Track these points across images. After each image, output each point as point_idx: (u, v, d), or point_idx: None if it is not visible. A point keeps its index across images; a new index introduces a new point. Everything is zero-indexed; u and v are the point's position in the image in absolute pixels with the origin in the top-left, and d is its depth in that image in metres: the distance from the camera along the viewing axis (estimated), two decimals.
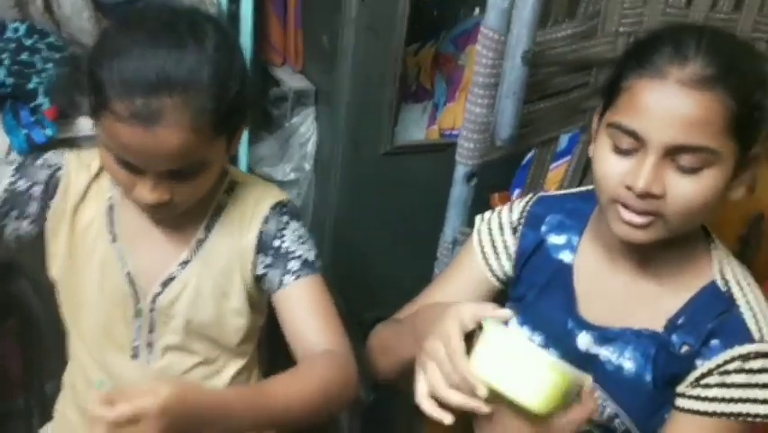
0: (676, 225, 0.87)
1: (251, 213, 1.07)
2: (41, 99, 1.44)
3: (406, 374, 1.02)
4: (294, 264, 1.06)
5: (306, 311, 1.05)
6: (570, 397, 0.83)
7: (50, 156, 1.06)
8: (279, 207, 1.08)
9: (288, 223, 1.08)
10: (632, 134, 0.86)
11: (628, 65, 0.88)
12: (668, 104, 0.83)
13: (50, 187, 1.05)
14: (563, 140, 1.56)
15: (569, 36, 1.20)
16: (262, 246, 1.07)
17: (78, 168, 1.06)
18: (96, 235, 1.05)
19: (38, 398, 1.26)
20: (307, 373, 0.98)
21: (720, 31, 0.91)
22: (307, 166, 1.96)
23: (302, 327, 1.04)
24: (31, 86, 1.43)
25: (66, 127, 1.51)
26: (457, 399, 0.82)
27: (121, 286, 1.05)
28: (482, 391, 0.80)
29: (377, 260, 1.94)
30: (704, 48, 0.83)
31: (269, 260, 1.07)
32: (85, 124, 1.46)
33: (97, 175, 1.06)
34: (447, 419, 0.83)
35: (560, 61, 1.21)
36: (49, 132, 1.41)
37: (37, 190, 1.04)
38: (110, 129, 0.90)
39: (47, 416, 1.18)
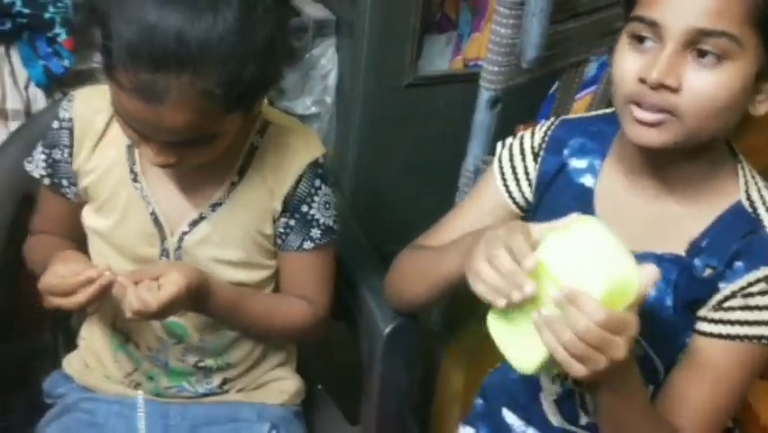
0: (692, 127, 0.83)
1: (287, 164, 1.04)
2: (58, 29, 1.43)
3: (439, 298, 1.04)
4: (316, 232, 1.07)
5: (311, 275, 1.11)
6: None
7: (62, 112, 1.04)
8: (314, 168, 1.05)
9: (319, 188, 1.06)
10: (651, 24, 0.82)
11: None
12: None
13: (71, 142, 1.04)
14: (592, 68, 1.52)
15: None
16: (289, 207, 1.05)
17: (90, 110, 1.03)
18: (118, 175, 1.04)
19: (64, 330, 1.28)
20: (286, 312, 1.11)
21: None
22: (328, 99, 1.94)
23: (301, 285, 1.11)
24: (47, 15, 1.42)
25: (83, 58, 1.51)
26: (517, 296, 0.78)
27: (145, 225, 1.04)
28: (529, 288, 0.77)
29: (399, 192, 1.93)
30: None
31: (292, 222, 1.06)
32: None
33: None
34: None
35: None
36: (66, 62, 1.41)
37: (68, 153, 1.04)
38: (115, 93, 0.88)
39: (73, 347, 1.20)
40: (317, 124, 1.95)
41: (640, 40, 0.84)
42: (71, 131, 1.04)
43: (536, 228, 0.85)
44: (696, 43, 0.80)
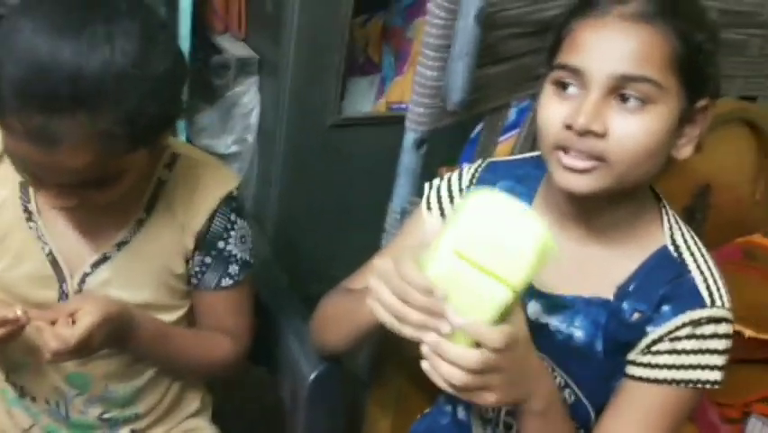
0: (621, 172, 0.84)
1: (199, 197, 0.99)
2: None
3: (362, 342, 1.00)
4: (234, 268, 1.03)
5: (230, 311, 1.07)
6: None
7: None
8: (229, 202, 1.01)
9: (234, 222, 1.02)
10: (574, 71, 0.84)
11: (572, 14, 0.87)
12: (609, 36, 0.82)
13: None
14: (512, 113, 1.54)
15: None
16: (205, 245, 1.01)
17: None
18: (10, 215, 0.97)
19: None
20: (206, 344, 1.06)
21: None
22: (250, 138, 1.91)
23: (221, 322, 1.07)
24: None
25: None
26: (415, 317, 0.75)
27: (41, 267, 0.97)
28: (439, 293, 0.74)
29: (323, 234, 1.91)
30: None
31: (208, 259, 1.02)
32: None
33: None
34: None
35: (514, 23, 1.18)
36: None
37: None
38: (6, 138, 0.82)
39: None
40: (239, 163, 1.91)
41: (564, 87, 0.85)
42: None
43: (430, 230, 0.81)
44: (619, 89, 0.82)
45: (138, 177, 0.91)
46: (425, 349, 0.76)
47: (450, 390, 0.76)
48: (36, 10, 0.79)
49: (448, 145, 1.60)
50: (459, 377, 0.74)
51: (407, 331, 0.76)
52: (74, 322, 0.88)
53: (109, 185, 0.86)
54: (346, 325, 0.99)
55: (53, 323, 0.88)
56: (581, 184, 0.84)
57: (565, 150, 0.84)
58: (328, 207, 1.92)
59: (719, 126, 1.24)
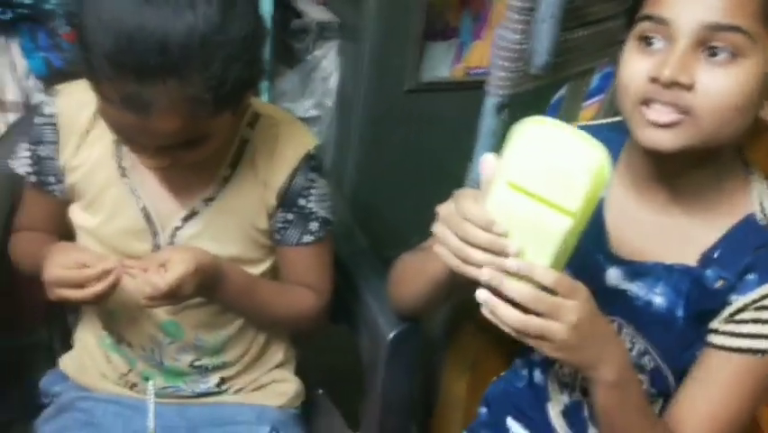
0: (706, 128, 0.81)
1: (280, 155, 1.02)
2: (59, 21, 1.41)
3: (437, 298, 1.00)
4: (314, 225, 1.06)
5: (312, 267, 1.10)
6: None
7: (45, 108, 1.01)
8: (309, 160, 1.04)
9: (314, 180, 1.05)
10: (661, 22, 0.81)
11: None
12: None
13: (56, 138, 1.01)
14: (595, 79, 1.52)
15: None
16: (287, 202, 1.04)
17: (74, 106, 1.00)
18: (105, 171, 1.02)
19: (60, 329, 1.26)
20: (291, 297, 1.10)
21: None
22: (329, 102, 1.92)
23: (304, 277, 1.10)
24: (48, 7, 1.40)
25: None
26: (479, 256, 0.74)
27: (136, 221, 1.02)
28: (500, 228, 0.73)
29: (400, 199, 1.92)
30: None
31: (290, 216, 1.05)
32: None
33: None
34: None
35: None
36: (68, 55, 1.39)
37: (53, 149, 1.02)
38: (101, 104, 0.86)
39: (68, 346, 1.18)
40: (318, 127, 1.94)
41: (648, 41, 0.82)
42: (56, 126, 1.01)
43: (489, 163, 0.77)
44: (708, 41, 0.79)
45: (224, 137, 0.94)
46: (481, 295, 0.75)
47: (510, 332, 0.76)
48: None
49: (532, 110, 1.58)
50: (515, 317, 0.74)
51: (472, 272, 0.76)
52: (166, 271, 0.93)
53: (198, 146, 0.90)
54: (420, 279, 1.00)
55: (146, 271, 0.94)
56: (666, 140, 0.81)
57: (649, 104, 0.82)
58: (406, 171, 1.93)
59: None
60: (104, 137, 1.00)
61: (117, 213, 1.02)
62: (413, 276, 1.02)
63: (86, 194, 1.03)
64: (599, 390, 0.84)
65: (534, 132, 0.73)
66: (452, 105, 1.87)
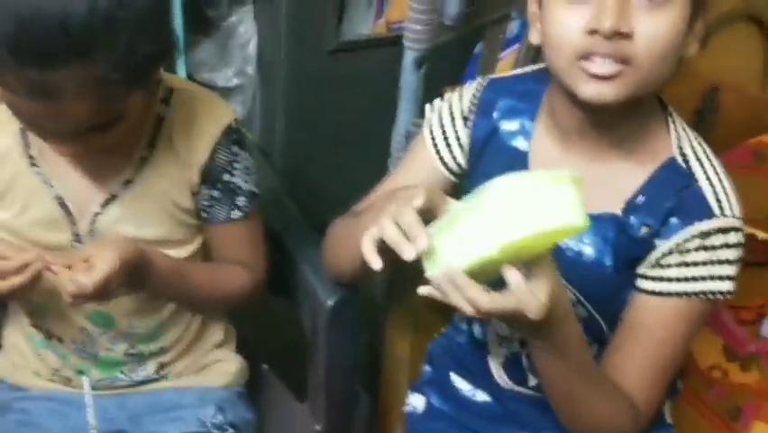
0: (646, 75, 0.81)
1: (199, 131, 1.00)
2: None
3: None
4: (241, 200, 1.04)
5: (243, 243, 1.09)
6: None
7: None
8: (229, 134, 1.01)
9: (237, 154, 1.02)
10: None
11: None
12: None
13: None
14: (515, 26, 1.51)
15: None
16: (210, 178, 1.01)
17: None
18: (13, 162, 0.97)
19: None
20: (223, 277, 1.08)
21: None
22: (250, 70, 1.87)
23: (235, 254, 1.09)
24: None
25: None
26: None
27: (51, 211, 0.98)
28: (423, 243, 0.73)
29: (330, 162, 1.90)
30: None
31: (215, 193, 1.03)
32: None
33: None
34: (376, 264, 0.77)
35: None
36: None
37: None
38: (6, 96, 0.81)
39: None
40: (241, 96, 1.89)
41: None
42: None
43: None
44: None
45: (137, 116, 0.91)
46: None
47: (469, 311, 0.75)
48: None
49: (452, 64, 1.57)
50: (471, 311, 0.74)
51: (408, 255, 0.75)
52: (91, 267, 0.90)
53: (112, 127, 0.87)
54: (354, 244, 0.98)
55: (70, 267, 0.90)
56: (609, 92, 0.81)
57: (589, 57, 0.81)
58: (334, 133, 1.90)
59: (725, 25, 1.21)
60: (7, 127, 0.96)
61: (30, 204, 0.98)
62: (346, 241, 1.00)
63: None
64: (540, 352, 0.85)
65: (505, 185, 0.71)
66: (376, 62, 1.84)
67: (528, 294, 0.73)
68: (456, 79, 1.59)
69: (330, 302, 1.10)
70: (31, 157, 0.97)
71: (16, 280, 0.90)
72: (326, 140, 1.91)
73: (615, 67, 0.80)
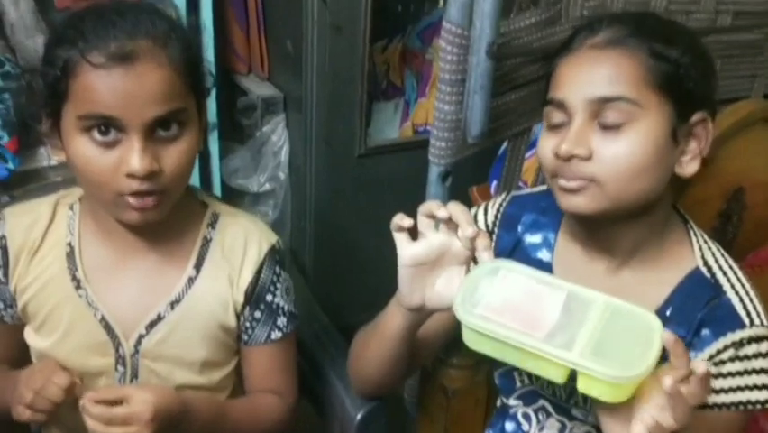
0: (612, 191, 0.85)
1: (245, 253, 1.03)
2: (0, 132, 1.40)
3: (396, 367, 1.00)
4: (282, 320, 1.07)
5: (278, 368, 1.10)
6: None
7: None
8: (273, 254, 1.05)
9: (279, 274, 1.06)
10: (559, 105, 0.88)
11: (555, 55, 0.92)
12: (583, 65, 0.87)
13: (6, 260, 1.00)
14: (537, 129, 1.54)
15: (533, 25, 1.17)
16: (255, 299, 1.04)
17: (23, 225, 1.00)
18: (58, 286, 0.99)
19: None
20: (260, 411, 1.07)
21: (646, 13, 0.96)
22: (282, 175, 1.93)
23: (269, 379, 1.09)
24: None
25: (28, 158, 1.48)
26: None
27: (95, 334, 0.99)
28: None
29: (361, 264, 1.92)
30: (615, 19, 0.89)
31: (258, 313, 1.05)
32: (47, 154, 1.42)
33: (51, 223, 1.00)
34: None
35: (526, 51, 1.18)
36: (11, 165, 1.38)
37: (2, 273, 1.00)
38: (85, 87, 0.86)
39: None
40: (273, 200, 1.94)
41: (553, 121, 0.90)
42: (5, 249, 0.99)
43: None
44: (599, 113, 0.85)
45: (183, 229, 0.98)
46: None
47: None
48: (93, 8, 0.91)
49: (478, 163, 1.60)
50: None
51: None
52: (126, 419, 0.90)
53: (178, 138, 0.90)
54: (378, 345, 0.99)
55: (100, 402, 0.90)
56: (578, 203, 0.87)
57: (557, 176, 0.88)
58: (363, 236, 1.93)
59: (746, 128, 1.23)
60: (55, 251, 0.99)
61: (73, 329, 1.00)
62: (371, 344, 1.01)
63: (39, 312, 1.01)
64: None
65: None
66: (403, 164, 1.88)
67: None
68: (482, 179, 1.61)
69: (359, 415, 1.10)
70: (76, 280, 0.99)
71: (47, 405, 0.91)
72: (356, 241, 1.93)
73: (578, 182, 0.87)
